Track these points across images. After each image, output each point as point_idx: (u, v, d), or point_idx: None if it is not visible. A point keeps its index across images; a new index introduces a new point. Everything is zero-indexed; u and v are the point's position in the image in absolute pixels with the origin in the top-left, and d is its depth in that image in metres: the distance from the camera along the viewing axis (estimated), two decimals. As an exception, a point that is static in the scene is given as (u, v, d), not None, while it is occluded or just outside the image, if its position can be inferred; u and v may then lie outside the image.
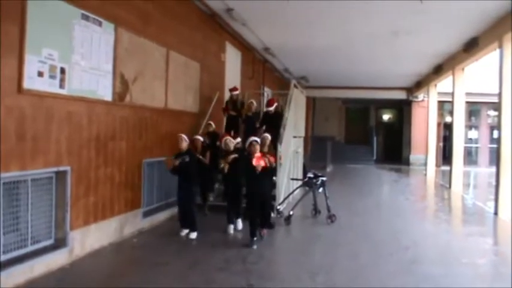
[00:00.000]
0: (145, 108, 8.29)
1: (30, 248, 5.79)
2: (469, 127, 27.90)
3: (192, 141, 8.76)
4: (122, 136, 7.54)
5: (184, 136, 8.03)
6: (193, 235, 7.86)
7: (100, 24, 6.78)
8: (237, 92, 11.76)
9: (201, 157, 8.95)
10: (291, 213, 9.26)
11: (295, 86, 12.82)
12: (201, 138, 9.29)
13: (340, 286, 5.84)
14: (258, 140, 7.94)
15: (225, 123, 11.87)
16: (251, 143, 7.74)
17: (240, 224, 8.57)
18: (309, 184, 9.84)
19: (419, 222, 10.69)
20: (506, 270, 6.54)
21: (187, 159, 7.85)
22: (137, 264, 6.39)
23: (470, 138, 28.29)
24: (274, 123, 10.57)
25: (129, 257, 6.85)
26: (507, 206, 10.52)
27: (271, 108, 10.95)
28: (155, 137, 8.61)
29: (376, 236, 8.59)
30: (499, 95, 10.91)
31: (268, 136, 9.00)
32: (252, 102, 11.68)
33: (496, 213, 10.97)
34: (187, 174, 7.93)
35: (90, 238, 6.77)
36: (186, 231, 7.98)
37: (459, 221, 11.86)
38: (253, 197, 7.73)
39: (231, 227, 8.36)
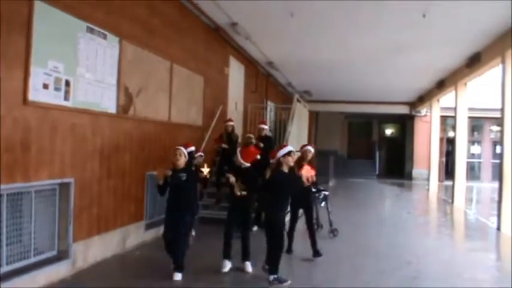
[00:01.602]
0: (149, 121, 8.33)
1: (33, 260, 5.80)
2: (472, 142, 27.92)
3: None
4: (125, 149, 7.57)
5: (183, 149, 6.53)
6: (178, 276, 6.26)
7: (105, 37, 6.85)
8: (231, 123, 10.99)
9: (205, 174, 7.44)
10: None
11: (298, 100, 12.89)
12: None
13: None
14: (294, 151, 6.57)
15: (219, 158, 10.95)
16: (289, 153, 6.30)
17: (249, 266, 6.77)
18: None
19: (421, 237, 10.66)
20: (509, 286, 6.51)
21: (184, 178, 6.31)
22: (140, 277, 6.37)
23: (473, 154, 28.28)
24: (268, 144, 10.26)
25: (131, 270, 6.84)
26: (510, 221, 10.49)
27: (265, 127, 10.87)
28: (158, 150, 8.62)
29: (379, 250, 8.56)
30: (502, 110, 10.92)
31: (310, 149, 7.99)
32: (262, 129, 10.88)
33: (498, 229, 10.94)
34: (182, 198, 6.38)
35: (93, 250, 6.77)
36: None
37: (462, 236, 11.83)
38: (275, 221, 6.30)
39: (227, 263, 6.72)
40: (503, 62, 11.02)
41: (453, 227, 12.82)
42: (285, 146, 6.71)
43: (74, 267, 6.32)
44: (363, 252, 8.38)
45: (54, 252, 6.17)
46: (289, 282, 6.09)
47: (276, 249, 6.20)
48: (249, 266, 6.76)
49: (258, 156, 7.01)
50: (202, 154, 8.09)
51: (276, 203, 6.30)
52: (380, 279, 6.76)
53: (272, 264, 6.16)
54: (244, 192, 6.63)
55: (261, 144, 10.01)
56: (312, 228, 7.87)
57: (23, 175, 5.36)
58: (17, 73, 5.19)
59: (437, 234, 11.50)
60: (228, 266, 6.67)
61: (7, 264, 5.36)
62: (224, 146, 10.45)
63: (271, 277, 6.06)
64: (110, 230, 7.20)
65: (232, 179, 6.69)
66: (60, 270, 6.06)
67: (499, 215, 11.02)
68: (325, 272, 7.12)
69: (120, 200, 7.46)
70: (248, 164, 6.79)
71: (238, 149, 7.20)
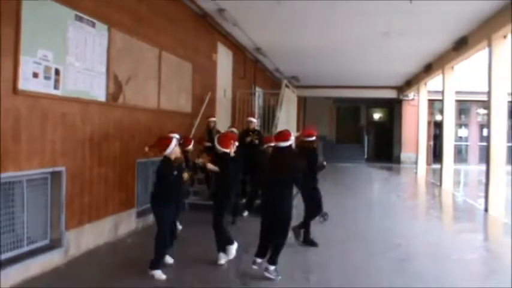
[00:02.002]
0: (139, 109, 8.33)
1: (26, 249, 5.84)
2: (459, 125, 28.10)
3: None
4: (115, 136, 7.57)
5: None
6: (171, 260, 6.41)
7: (93, 25, 6.82)
8: (214, 119, 10.82)
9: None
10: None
11: (286, 85, 12.90)
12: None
13: (335, 285, 5.91)
14: None
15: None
16: None
17: (233, 250, 6.63)
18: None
19: (410, 219, 10.79)
20: (496, 266, 6.64)
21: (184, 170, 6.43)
22: (132, 264, 6.39)
23: (460, 137, 28.48)
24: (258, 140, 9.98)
25: (124, 257, 6.85)
26: (497, 203, 10.65)
27: (254, 120, 10.60)
28: (148, 138, 8.58)
29: (368, 234, 8.68)
30: (488, 93, 11.03)
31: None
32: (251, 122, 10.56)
33: (486, 210, 11.08)
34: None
35: (85, 238, 6.81)
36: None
37: (450, 218, 11.98)
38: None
39: (222, 256, 6.53)
40: (489, 45, 11.11)
41: (441, 209, 12.97)
42: (288, 133, 6.32)
43: (66, 256, 6.36)
44: (353, 235, 8.49)
45: (46, 241, 6.21)
46: (279, 278, 5.95)
47: (281, 242, 6.10)
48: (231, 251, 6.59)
49: (236, 143, 6.89)
50: (191, 147, 7.97)
51: (287, 193, 6.11)
52: (370, 261, 6.86)
53: (275, 255, 6.04)
54: (216, 168, 6.44)
55: (257, 141, 9.85)
56: (309, 217, 7.82)
57: (14, 164, 5.37)
58: (6, 62, 5.17)
59: (425, 216, 11.66)
60: (223, 258, 6.49)
61: (0, 253, 5.37)
62: (207, 144, 9.95)
63: (272, 267, 5.96)
64: (101, 217, 7.23)
65: (200, 160, 7.07)
66: (53, 259, 6.10)
67: (486, 197, 11.16)
68: (315, 255, 7.21)
69: (111, 187, 7.48)
70: (226, 150, 6.53)
71: (217, 136, 7.09)
